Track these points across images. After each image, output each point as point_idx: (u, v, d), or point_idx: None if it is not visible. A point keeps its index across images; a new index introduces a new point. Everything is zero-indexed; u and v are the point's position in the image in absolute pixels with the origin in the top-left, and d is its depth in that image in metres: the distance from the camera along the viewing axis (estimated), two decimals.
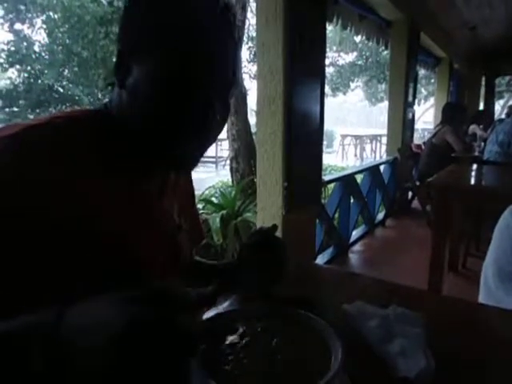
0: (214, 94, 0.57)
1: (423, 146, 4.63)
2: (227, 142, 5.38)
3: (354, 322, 0.67)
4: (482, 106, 8.04)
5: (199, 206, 3.67)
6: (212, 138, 0.61)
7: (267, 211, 2.32)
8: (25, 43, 8.80)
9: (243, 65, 5.32)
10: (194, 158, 0.62)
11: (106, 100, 0.63)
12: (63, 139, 0.53)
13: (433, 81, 10.89)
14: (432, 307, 0.79)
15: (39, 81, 8.71)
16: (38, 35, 8.85)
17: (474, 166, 2.97)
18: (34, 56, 8.76)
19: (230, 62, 0.59)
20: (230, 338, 0.51)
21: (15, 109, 8.80)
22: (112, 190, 0.57)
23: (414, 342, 0.59)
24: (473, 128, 5.17)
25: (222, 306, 0.71)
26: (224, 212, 3.36)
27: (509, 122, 2.93)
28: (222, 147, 10.61)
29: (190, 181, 0.83)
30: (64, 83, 8.87)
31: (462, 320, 0.76)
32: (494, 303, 0.86)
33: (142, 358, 0.33)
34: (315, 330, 0.52)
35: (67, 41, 8.20)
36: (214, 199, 3.92)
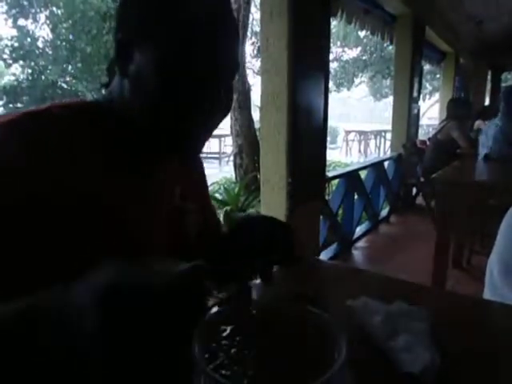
0: (219, 77, 0.57)
1: (428, 142, 4.60)
2: (231, 137, 5.37)
3: (359, 318, 0.67)
4: (487, 102, 7.97)
5: None
6: (217, 123, 0.62)
7: (271, 207, 2.32)
8: (28, 39, 8.82)
9: (247, 60, 5.29)
10: (200, 143, 0.62)
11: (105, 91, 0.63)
12: (61, 128, 0.53)
13: (438, 76, 10.81)
14: (437, 303, 0.78)
15: (43, 77, 8.74)
16: (42, 31, 8.87)
17: (479, 161, 2.95)
18: (37, 52, 8.78)
19: (232, 46, 0.59)
20: (232, 334, 0.51)
21: (19, 105, 8.84)
22: (112, 177, 0.58)
23: (419, 338, 0.59)
24: (478, 124, 5.12)
25: (226, 295, 0.71)
26: (228, 208, 3.37)
27: (491, 125, 2.91)
28: (225, 143, 10.60)
29: (200, 163, 0.83)
30: (68, 79, 8.90)
31: (467, 316, 0.75)
32: (499, 299, 0.86)
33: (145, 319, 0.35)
34: (319, 325, 0.52)
35: (71, 36, 8.20)
36: (217, 195, 3.92)
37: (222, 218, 3.19)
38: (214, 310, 0.53)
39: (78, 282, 0.38)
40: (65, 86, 8.80)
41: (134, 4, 0.57)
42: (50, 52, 8.81)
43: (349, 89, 15.16)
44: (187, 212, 0.72)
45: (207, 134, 0.61)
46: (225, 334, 0.51)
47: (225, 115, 0.62)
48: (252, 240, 0.67)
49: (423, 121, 13.04)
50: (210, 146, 10.83)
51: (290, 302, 0.60)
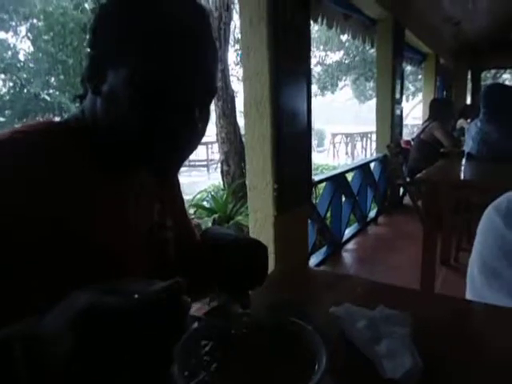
0: (193, 100, 0.56)
1: (412, 142, 4.66)
2: (217, 144, 5.37)
3: (342, 324, 0.67)
4: (469, 100, 8.12)
5: (191, 210, 3.65)
6: (192, 146, 0.60)
7: (258, 213, 2.32)
8: (9, 52, 8.72)
9: (230, 67, 5.31)
10: (174, 166, 0.61)
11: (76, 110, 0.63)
12: (23, 157, 0.52)
13: (420, 77, 10.99)
14: (420, 306, 0.79)
15: (25, 90, 8.64)
16: (23, 44, 8.78)
17: (463, 161, 3.00)
18: (19, 65, 8.69)
19: (209, 68, 0.58)
20: (211, 349, 0.51)
21: (1, 119, 8.72)
22: (84, 197, 0.56)
23: (401, 343, 0.59)
24: (460, 122, 5.22)
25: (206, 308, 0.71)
26: (216, 216, 3.35)
27: (472, 125, 2.97)
28: (212, 150, 10.60)
29: (176, 179, 0.82)
30: (50, 91, 8.80)
31: (450, 318, 0.76)
32: (479, 298, 0.87)
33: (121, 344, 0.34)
34: (301, 337, 0.52)
35: (52, 49, 8.13)
36: (205, 203, 3.91)
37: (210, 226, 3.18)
38: (193, 326, 0.52)
39: (51, 309, 0.37)
40: (48, 98, 8.69)
41: (108, 22, 0.57)
42: (32, 65, 8.72)
43: (333, 92, 15.30)
44: (166, 228, 0.71)
45: (182, 157, 0.61)
46: (204, 350, 0.50)
47: (200, 136, 0.61)
48: (227, 266, 0.65)
49: (408, 121, 13.23)
50: (198, 153, 10.82)
51: (270, 312, 0.60)
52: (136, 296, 0.36)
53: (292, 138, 2.37)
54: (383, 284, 0.89)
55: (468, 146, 2.98)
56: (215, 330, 0.53)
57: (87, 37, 0.62)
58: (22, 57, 8.85)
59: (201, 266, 0.73)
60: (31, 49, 8.69)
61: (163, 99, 0.54)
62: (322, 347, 0.48)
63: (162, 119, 0.55)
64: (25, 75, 8.70)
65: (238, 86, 5.00)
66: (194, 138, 0.59)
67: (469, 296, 0.91)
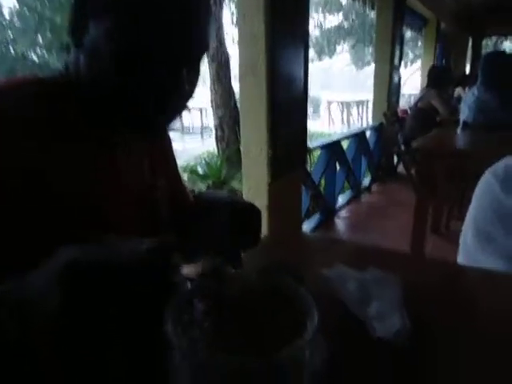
0: (180, 58, 0.53)
1: (409, 111, 4.62)
2: (211, 110, 5.27)
3: (333, 286, 0.68)
4: (468, 69, 7.99)
5: (184, 176, 3.64)
6: (180, 107, 0.58)
7: (252, 179, 2.31)
8: None
9: (225, 29, 5.12)
10: (160, 126, 0.59)
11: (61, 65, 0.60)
12: (7, 107, 0.50)
13: (420, 43, 10.73)
14: (410, 269, 0.80)
15: (11, 49, 8.30)
16: (8, 0, 8.36)
17: (459, 130, 2.98)
18: (4, 23, 8.30)
19: (200, 23, 0.54)
20: (205, 305, 0.51)
21: None
22: (68, 153, 0.55)
23: (391, 304, 0.60)
24: (458, 91, 5.16)
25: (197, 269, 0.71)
26: (210, 182, 3.34)
27: (469, 94, 2.93)
28: (207, 116, 10.43)
29: (167, 139, 0.80)
30: (38, 51, 8.47)
31: (440, 281, 0.77)
32: (471, 263, 0.88)
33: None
34: (292, 297, 0.52)
35: (38, 6, 7.76)
36: (199, 169, 3.89)
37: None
38: (187, 286, 0.52)
39: (37, 268, 0.37)
40: (35, 58, 8.38)
41: None
42: (18, 23, 8.34)
43: (330, 57, 14.94)
44: (158, 188, 0.70)
45: (168, 118, 0.59)
46: (198, 309, 0.50)
47: (189, 96, 0.58)
48: (218, 225, 0.65)
49: (405, 89, 13.02)
50: (192, 119, 10.64)
51: (263, 274, 0.60)
52: (123, 252, 0.36)
53: (288, 104, 2.33)
54: (375, 247, 0.90)
55: (464, 114, 2.95)
56: (208, 290, 0.53)
57: None
58: (7, 14, 8.45)
59: (194, 227, 0.73)
60: (16, 6, 8.29)
61: (146, 57, 0.51)
62: (313, 307, 0.48)
63: (146, 77, 0.52)
64: (11, 34, 8.33)
65: (232, 49, 4.84)
66: (181, 98, 0.57)
67: (461, 261, 0.93)
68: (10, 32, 8.34)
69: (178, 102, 0.57)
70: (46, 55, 8.38)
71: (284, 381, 0.45)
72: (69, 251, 0.36)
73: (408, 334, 0.56)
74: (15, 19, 8.41)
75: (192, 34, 0.53)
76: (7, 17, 8.43)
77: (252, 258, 0.88)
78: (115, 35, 0.51)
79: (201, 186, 3.31)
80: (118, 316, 0.35)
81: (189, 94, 0.58)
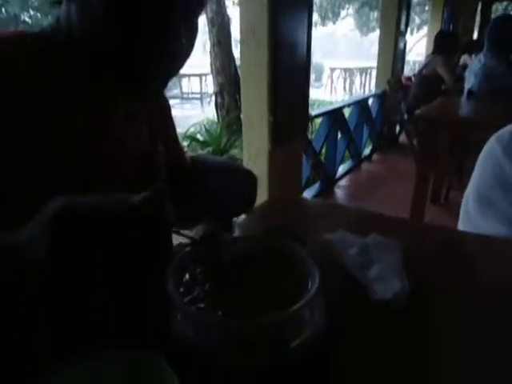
0: (178, 11, 0.51)
1: (413, 78, 4.51)
2: (211, 76, 5.14)
3: (336, 251, 0.68)
4: (476, 35, 7.74)
5: (184, 143, 3.60)
6: (177, 63, 0.56)
7: (253, 147, 2.29)
8: None
9: None
10: (157, 83, 0.57)
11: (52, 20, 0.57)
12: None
13: (427, 8, 10.35)
14: (411, 234, 0.80)
15: (3, 10, 8.00)
16: None
17: (463, 98, 2.92)
18: None
19: None
20: (208, 266, 0.51)
21: None
22: (63, 112, 0.53)
23: (391, 267, 0.61)
24: (464, 58, 5.01)
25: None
26: (210, 149, 3.32)
27: (475, 61, 2.84)
28: (206, 82, 10.21)
29: (166, 105, 0.78)
30: (31, 12, 8.17)
31: (440, 246, 0.78)
32: (472, 229, 0.88)
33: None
34: (295, 259, 0.52)
35: None
36: (199, 136, 3.84)
37: None
38: (188, 248, 0.52)
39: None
40: (28, 19, 8.09)
41: None
42: None
43: (334, 22, 14.46)
44: (156, 153, 0.69)
45: (165, 76, 0.57)
46: (198, 270, 0.51)
47: (186, 52, 0.56)
48: (214, 190, 0.64)
49: (410, 56, 12.69)
50: (191, 85, 10.42)
51: (265, 237, 0.60)
52: (115, 201, 0.36)
53: (290, 70, 2.26)
54: (376, 213, 0.90)
55: (469, 82, 2.88)
56: (208, 252, 0.53)
57: None
58: None
59: (190, 192, 0.72)
60: None
61: (140, 7, 0.49)
62: (315, 269, 0.49)
63: (140, 29, 0.50)
64: None
65: (233, 12, 4.67)
66: (179, 50, 0.55)
67: (461, 227, 0.93)
68: None
69: (175, 57, 0.55)
70: (39, 16, 8.09)
71: (285, 340, 0.46)
72: (58, 200, 0.35)
73: (407, 296, 0.57)
74: None
75: None
76: None
77: (253, 222, 0.88)
78: None
79: (201, 154, 3.28)
80: (107, 264, 0.35)
81: (187, 50, 0.56)
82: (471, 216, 0.89)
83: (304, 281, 0.48)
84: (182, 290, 0.47)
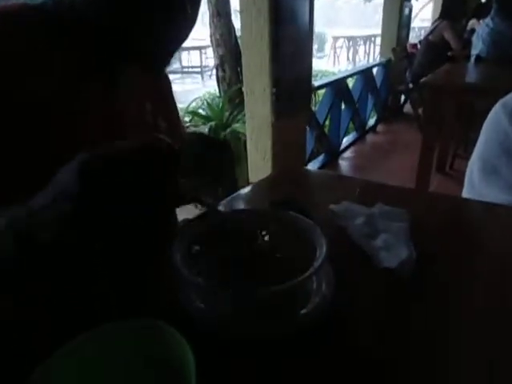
0: None
1: (419, 46, 4.39)
2: (211, 49, 5.02)
3: (341, 222, 0.69)
4: None
5: (186, 118, 3.57)
6: (180, 37, 0.55)
7: (256, 120, 2.27)
8: None
9: None
10: (162, 59, 0.56)
11: None
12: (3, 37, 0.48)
13: None
14: (416, 203, 0.80)
15: None
16: None
17: (470, 65, 2.85)
18: None
19: None
20: (217, 237, 0.52)
21: None
22: (70, 83, 0.53)
23: (397, 236, 0.61)
24: (472, 23, 4.84)
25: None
26: (212, 123, 3.28)
27: (483, 25, 2.73)
28: (207, 56, 10.00)
29: (167, 81, 0.77)
30: None
31: (445, 214, 0.78)
32: (476, 197, 0.88)
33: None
34: (301, 229, 0.53)
35: None
36: (201, 111, 3.80)
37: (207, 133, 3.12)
38: (193, 221, 0.53)
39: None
40: None
41: None
42: None
43: None
44: (159, 130, 0.68)
45: (170, 49, 0.55)
46: (205, 243, 0.51)
47: (190, 23, 0.54)
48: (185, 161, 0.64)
49: (415, 23, 12.28)
50: (191, 59, 10.21)
51: (271, 208, 0.61)
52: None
53: (292, 39, 2.21)
54: (381, 184, 0.90)
55: (477, 48, 2.80)
56: (214, 225, 0.54)
57: None
58: None
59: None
60: None
61: None
62: (322, 237, 0.49)
63: (145, 4, 0.49)
64: None
65: None
66: (183, 23, 0.53)
67: (465, 195, 0.93)
68: None
69: (182, 30, 0.54)
70: None
71: (293, 308, 0.47)
72: (73, 161, 0.37)
73: (413, 264, 0.57)
74: None
75: None
76: None
77: (259, 194, 0.88)
78: None
79: (203, 128, 3.25)
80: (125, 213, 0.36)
81: (190, 23, 0.54)
82: (475, 184, 0.89)
83: (311, 250, 0.49)
84: (189, 262, 0.47)
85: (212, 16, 4.47)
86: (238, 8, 2.19)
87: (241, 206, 0.76)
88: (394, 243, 0.60)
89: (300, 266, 0.46)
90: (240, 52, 2.63)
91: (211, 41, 4.71)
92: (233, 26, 4.53)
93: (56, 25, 0.53)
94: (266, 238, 0.55)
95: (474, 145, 0.96)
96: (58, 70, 0.52)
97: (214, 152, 0.65)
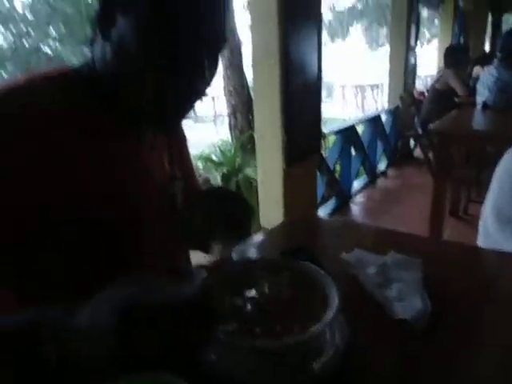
0: (203, 48, 0.55)
1: (426, 93, 4.50)
2: (224, 98, 5.24)
3: (353, 270, 0.68)
4: (488, 47, 7.71)
5: (199, 164, 3.65)
6: (200, 93, 0.59)
7: (267, 166, 2.31)
8: (6, 3, 8.37)
9: (236, 14, 5.05)
10: (181, 113, 0.61)
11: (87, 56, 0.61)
12: (41, 99, 0.53)
13: (436, 22, 10.38)
14: (430, 252, 0.80)
15: (25, 42, 8.38)
16: None
17: (477, 111, 2.90)
18: (17, 16, 8.37)
19: (219, 16, 0.56)
20: (232, 288, 0.52)
21: (3, 72, 8.54)
22: (96, 142, 0.57)
23: (411, 286, 0.60)
24: (477, 70, 4.99)
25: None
26: (224, 169, 3.35)
27: (486, 74, 2.81)
28: (219, 104, 10.38)
29: (182, 130, 0.82)
30: (51, 43, 8.54)
31: (460, 263, 0.77)
32: (492, 246, 0.87)
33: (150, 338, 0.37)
34: (313, 280, 0.53)
35: None
36: (213, 157, 3.89)
37: (219, 180, 3.18)
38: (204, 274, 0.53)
39: (85, 304, 0.38)
40: (48, 50, 8.45)
41: None
42: (30, 16, 8.39)
43: (344, 39, 14.63)
44: (176, 178, 0.72)
45: (189, 105, 0.60)
46: (221, 293, 0.51)
47: (208, 84, 0.59)
48: (209, 217, 0.65)
49: (421, 70, 12.68)
50: (205, 107, 10.60)
51: (283, 258, 0.61)
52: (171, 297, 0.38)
53: (301, 89, 2.30)
54: (393, 231, 0.90)
55: (483, 95, 2.86)
56: (227, 276, 0.54)
57: None
58: (19, 8, 8.51)
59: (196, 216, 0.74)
60: None
61: (172, 45, 0.53)
62: (334, 288, 0.49)
63: (171, 65, 0.54)
64: (24, 27, 8.40)
65: (244, 35, 4.78)
66: (202, 84, 0.58)
67: (480, 243, 0.92)
68: (22, 25, 8.41)
69: (200, 90, 0.58)
70: (59, 47, 8.44)
71: (306, 360, 0.46)
72: (121, 292, 0.38)
73: (428, 315, 0.56)
74: (28, 12, 8.48)
75: (214, 25, 0.55)
76: (20, 11, 8.50)
77: (271, 243, 0.88)
78: (141, 29, 0.53)
79: (215, 174, 3.32)
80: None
81: (209, 81, 0.59)
82: (490, 233, 0.88)
83: (323, 301, 0.49)
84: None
85: (226, 69, 4.71)
86: (250, 60, 2.31)
87: (253, 254, 0.76)
88: (408, 293, 0.59)
89: (312, 318, 0.45)
90: (252, 101, 2.75)
91: (224, 91, 4.93)
92: (245, 77, 4.74)
93: (89, 87, 0.59)
94: (279, 287, 0.55)
95: (487, 189, 0.96)
96: (88, 131, 0.57)
97: (235, 206, 0.66)
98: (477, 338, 0.55)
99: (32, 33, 8.31)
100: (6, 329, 0.39)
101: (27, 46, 8.40)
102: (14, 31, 8.40)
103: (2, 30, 8.42)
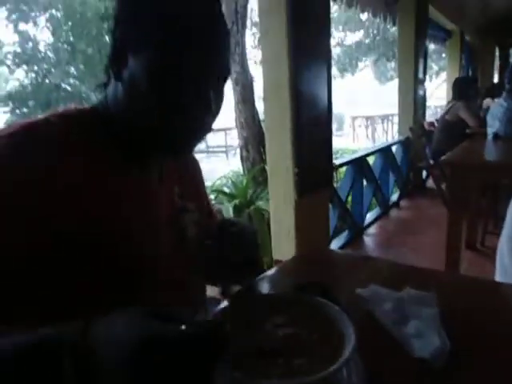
0: (208, 84, 0.58)
1: (436, 124, 4.53)
2: (236, 130, 5.35)
3: (368, 306, 0.67)
4: (496, 79, 7.79)
5: (211, 196, 3.68)
6: (208, 126, 0.62)
7: (279, 198, 2.32)
8: (30, 43, 8.85)
9: (248, 51, 5.24)
10: (190, 145, 0.64)
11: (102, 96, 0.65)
12: (57, 137, 0.56)
13: (444, 55, 10.59)
14: (447, 287, 0.78)
15: (46, 80, 8.79)
16: (43, 34, 8.90)
17: (488, 142, 2.89)
18: (39, 56, 8.82)
19: (223, 54, 0.60)
20: (246, 324, 0.52)
21: (25, 110, 8.91)
22: (108, 183, 0.59)
23: (428, 323, 0.59)
24: (487, 102, 5.02)
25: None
26: (236, 201, 3.37)
27: (496, 105, 2.84)
28: (231, 136, 10.59)
29: (195, 162, 0.84)
30: (71, 81, 8.93)
31: (478, 299, 0.75)
32: (510, 281, 0.85)
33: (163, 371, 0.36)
34: (329, 317, 0.52)
35: (71, 38, 8.22)
36: (225, 189, 3.93)
37: (231, 212, 3.19)
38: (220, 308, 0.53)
39: (103, 328, 0.38)
40: (68, 88, 8.84)
41: (128, 11, 0.59)
42: (52, 55, 8.84)
43: (353, 74, 14.96)
44: (187, 211, 0.73)
45: (198, 137, 0.63)
46: (233, 328, 0.51)
47: (214, 117, 0.63)
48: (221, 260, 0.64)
49: (431, 102, 12.83)
50: (217, 139, 10.82)
51: (299, 292, 0.60)
52: (186, 329, 0.38)
53: (312, 121, 2.34)
54: (408, 265, 0.88)
55: (494, 126, 2.87)
56: (240, 310, 0.54)
57: (106, 25, 0.65)
58: (42, 47, 8.98)
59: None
60: (51, 39, 8.81)
61: (179, 83, 0.57)
62: (350, 326, 0.48)
63: (179, 100, 0.57)
64: (45, 66, 8.84)
65: (256, 71, 4.94)
66: (209, 118, 0.61)
67: (498, 278, 0.90)
68: (44, 64, 8.85)
69: (208, 122, 0.62)
70: (78, 84, 8.82)
71: None
72: (139, 325, 0.38)
73: (447, 353, 0.55)
74: (49, 52, 8.94)
75: (219, 62, 0.59)
76: (42, 50, 8.97)
77: (283, 278, 0.88)
78: (151, 68, 0.56)
79: (227, 206, 3.34)
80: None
81: (216, 114, 0.63)
82: (508, 269, 0.86)
83: (339, 338, 0.48)
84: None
85: (237, 103, 4.84)
86: (261, 94, 2.37)
87: (266, 289, 0.76)
88: (426, 331, 0.58)
89: (328, 356, 0.44)
90: (263, 134, 2.80)
91: (236, 123, 5.04)
92: (256, 111, 4.86)
93: (103, 124, 0.62)
94: (292, 324, 0.54)
95: (503, 220, 0.95)
96: (100, 167, 0.59)
97: (248, 246, 0.66)
98: (497, 378, 0.53)
99: (53, 71, 8.72)
100: (24, 344, 0.40)
101: (48, 83, 8.80)
102: (36, 69, 8.84)
103: (26, 68, 8.86)
